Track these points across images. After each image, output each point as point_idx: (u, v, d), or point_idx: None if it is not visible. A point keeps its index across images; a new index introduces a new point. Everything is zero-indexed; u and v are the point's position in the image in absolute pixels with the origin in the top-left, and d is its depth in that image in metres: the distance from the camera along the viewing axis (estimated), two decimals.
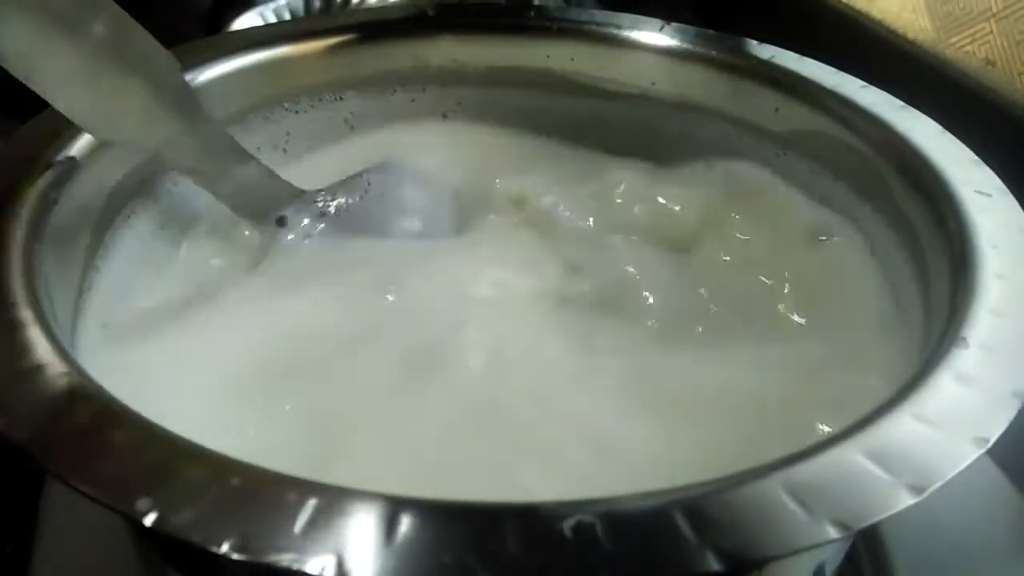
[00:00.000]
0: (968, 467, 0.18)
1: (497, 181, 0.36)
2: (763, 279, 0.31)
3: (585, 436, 0.25)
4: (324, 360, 0.27)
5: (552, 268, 0.32)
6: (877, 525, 0.18)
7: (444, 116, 0.38)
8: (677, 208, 0.34)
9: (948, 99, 0.31)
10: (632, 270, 0.32)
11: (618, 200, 0.35)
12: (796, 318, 0.30)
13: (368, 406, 0.25)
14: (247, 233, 0.32)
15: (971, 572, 0.30)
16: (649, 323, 0.30)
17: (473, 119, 0.38)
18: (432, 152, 0.36)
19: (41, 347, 0.21)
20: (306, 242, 0.31)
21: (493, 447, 0.24)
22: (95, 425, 0.19)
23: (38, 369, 0.20)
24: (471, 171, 0.36)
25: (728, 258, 0.33)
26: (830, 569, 0.24)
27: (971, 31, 0.45)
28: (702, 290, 0.32)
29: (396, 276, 0.30)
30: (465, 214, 0.35)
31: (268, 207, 0.31)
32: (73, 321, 0.26)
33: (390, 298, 0.29)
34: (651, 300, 0.30)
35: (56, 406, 0.19)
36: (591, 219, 0.34)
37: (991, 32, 0.44)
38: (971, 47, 0.45)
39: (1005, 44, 0.43)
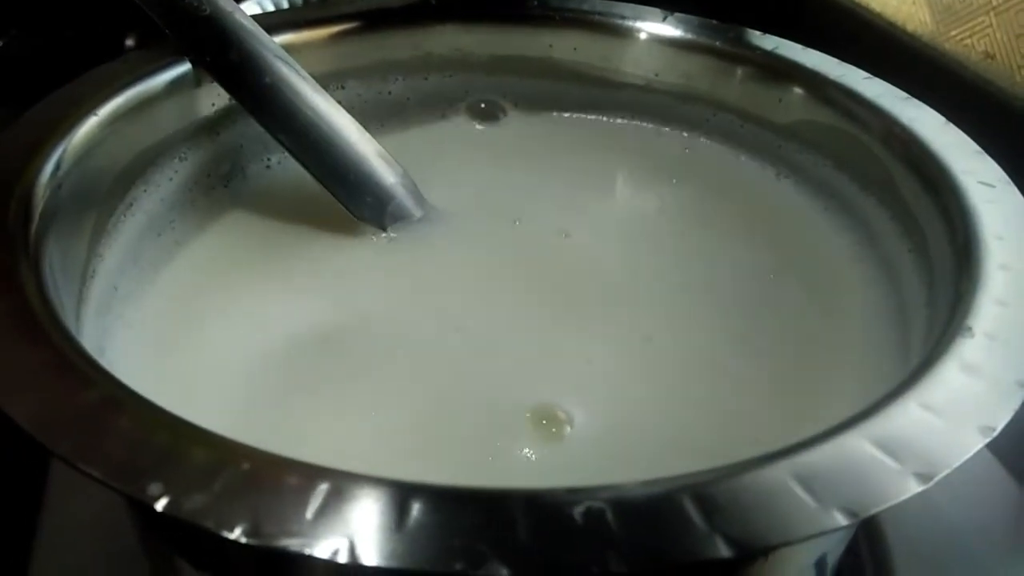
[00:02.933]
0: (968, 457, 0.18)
1: None
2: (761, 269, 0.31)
3: None
4: (333, 350, 0.27)
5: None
6: (877, 515, 0.18)
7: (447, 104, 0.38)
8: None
9: (947, 92, 0.31)
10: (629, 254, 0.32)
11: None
12: (792, 308, 0.30)
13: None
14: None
15: (970, 562, 0.30)
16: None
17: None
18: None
19: (47, 332, 0.21)
20: None
21: None
22: (103, 409, 0.19)
23: (45, 354, 0.20)
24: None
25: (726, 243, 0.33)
26: (832, 559, 0.25)
27: (970, 24, 0.45)
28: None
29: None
30: None
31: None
32: (78, 307, 0.25)
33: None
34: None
35: (63, 391, 0.19)
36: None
37: (990, 25, 0.44)
38: (970, 40, 0.45)
39: (1004, 37, 0.43)
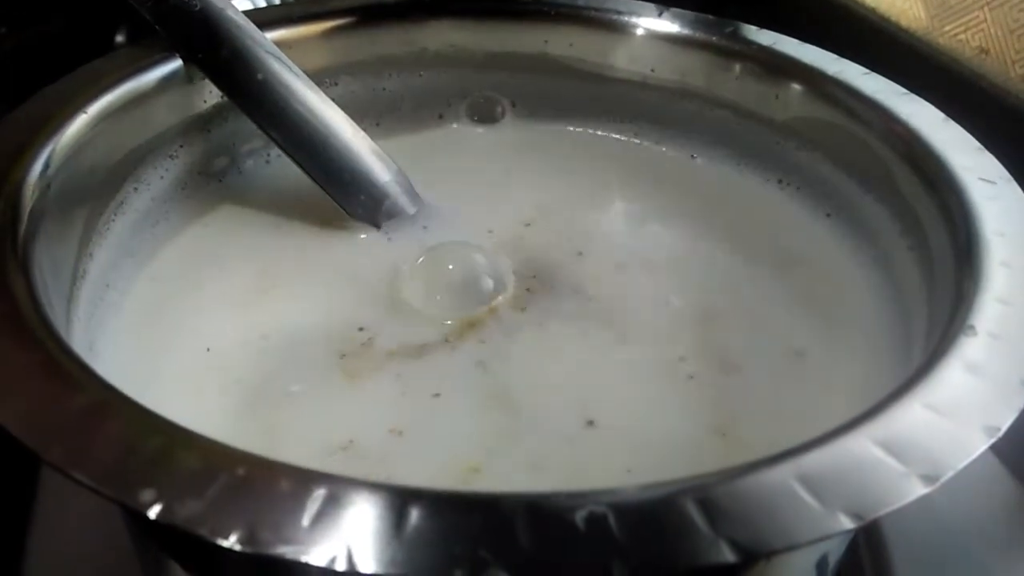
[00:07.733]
0: None
1: None
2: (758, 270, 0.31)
3: None
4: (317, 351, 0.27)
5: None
6: None
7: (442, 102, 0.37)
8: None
9: (942, 87, 0.31)
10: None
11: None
12: (791, 312, 0.30)
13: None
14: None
15: (969, 561, 0.30)
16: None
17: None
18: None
19: (38, 335, 0.20)
20: None
21: None
22: (93, 414, 0.18)
23: (34, 357, 0.20)
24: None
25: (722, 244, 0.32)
26: (833, 559, 0.24)
27: (965, 19, 0.45)
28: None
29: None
30: None
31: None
32: (68, 307, 0.25)
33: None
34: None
35: (53, 395, 0.19)
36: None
37: (985, 20, 0.44)
38: (965, 35, 0.45)
39: (999, 32, 0.43)
